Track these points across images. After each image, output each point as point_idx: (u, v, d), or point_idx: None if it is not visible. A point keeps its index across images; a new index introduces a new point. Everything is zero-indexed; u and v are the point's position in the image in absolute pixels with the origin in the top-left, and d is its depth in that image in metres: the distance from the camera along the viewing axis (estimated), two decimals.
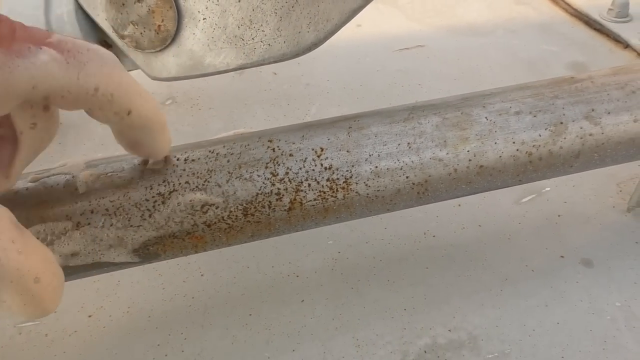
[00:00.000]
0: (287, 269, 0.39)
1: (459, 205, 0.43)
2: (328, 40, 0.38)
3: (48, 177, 0.28)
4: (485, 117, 0.30)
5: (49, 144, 0.25)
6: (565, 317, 0.35)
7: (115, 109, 0.24)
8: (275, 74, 0.61)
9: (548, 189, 0.44)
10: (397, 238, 0.41)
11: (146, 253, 0.28)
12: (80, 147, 0.51)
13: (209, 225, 0.28)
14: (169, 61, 0.40)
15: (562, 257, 0.39)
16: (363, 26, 0.70)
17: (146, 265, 0.30)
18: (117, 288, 0.38)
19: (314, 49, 0.38)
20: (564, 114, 0.31)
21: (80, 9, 0.41)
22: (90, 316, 0.37)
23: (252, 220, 0.29)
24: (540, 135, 0.31)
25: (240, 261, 0.40)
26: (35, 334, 0.36)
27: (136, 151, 0.27)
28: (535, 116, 0.31)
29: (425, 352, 0.33)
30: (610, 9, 0.68)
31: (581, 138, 0.31)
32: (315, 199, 0.29)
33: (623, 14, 0.68)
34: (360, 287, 0.38)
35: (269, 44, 0.38)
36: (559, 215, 0.42)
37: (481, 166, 0.30)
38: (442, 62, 0.63)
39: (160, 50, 0.40)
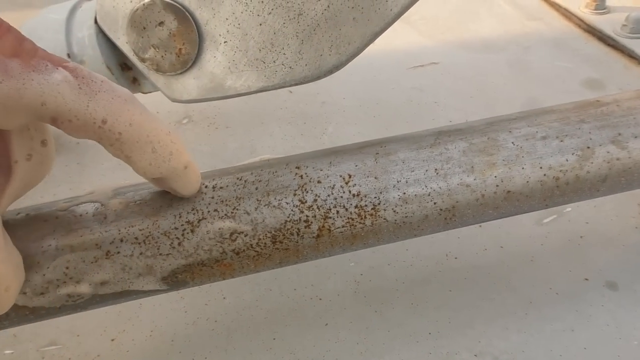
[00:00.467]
0: (309, 292, 0.39)
1: (480, 226, 0.43)
2: None
3: (77, 205, 0.28)
4: (512, 142, 0.30)
5: (40, 181, 0.26)
6: (592, 342, 0.35)
7: (125, 151, 0.24)
8: (291, 92, 0.62)
9: (569, 209, 0.44)
10: (419, 260, 0.41)
11: (174, 281, 0.28)
12: (98, 167, 0.52)
13: (237, 253, 0.28)
14: (190, 84, 0.40)
15: (586, 279, 0.39)
16: (376, 44, 0.70)
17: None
18: (139, 311, 0.38)
19: (335, 71, 0.39)
20: (590, 139, 0.31)
21: (101, 32, 0.41)
22: (113, 340, 0.37)
23: (281, 247, 0.29)
24: (567, 160, 0.31)
25: (262, 284, 0.40)
26: (58, 357, 0.36)
27: (161, 186, 0.27)
28: (562, 141, 0.31)
29: None
30: (624, 25, 0.68)
31: (608, 162, 0.31)
32: (343, 226, 0.29)
33: (637, 29, 0.68)
34: (384, 310, 0.37)
35: (291, 67, 0.38)
36: (581, 237, 0.42)
37: (508, 192, 0.30)
38: (456, 79, 0.63)
39: (181, 73, 0.40)
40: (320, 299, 0.38)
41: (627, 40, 0.68)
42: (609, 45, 0.69)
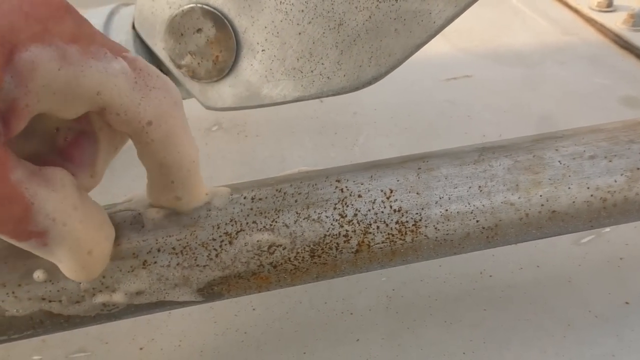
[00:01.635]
0: (340, 306, 0.38)
1: (516, 244, 0.42)
2: None
3: (114, 213, 0.27)
4: (559, 161, 0.30)
5: (127, 140, 0.26)
6: None
7: (147, 156, 0.24)
8: (321, 102, 0.61)
9: (608, 229, 0.43)
10: (452, 277, 0.40)
11: (210, 293, 0.28)
12: (128, 173, 0.51)
13: (275, 267, 0.28)
14: (225, 91, 0.40)
15: (627, 303, 0.37)
16: None
17: None
18: (168, 320, 0.38)
19: (374, 83, 0.38)
20: None
21: (138, 37, 0.41)
22: (141, 349, 0.36)
23: (319, 262, 0.28)
24: (615, 181, 0.30)
25: (292, 296, 0.39)
26: None
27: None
28: (610, 161, 0.30)
29: None
30: None
31: None
32: (383, 242, 0.28)
33: None
34: (417, 327, 0.36)
35: (329, 77, 0.37)
36: (620, 258, 0.41)
37: (553, 211, 0.29)
38: (490, 93, 0.62)
39: (216, 81, 0.40)
40: (351, 314, 0.38)
41: None
42: None
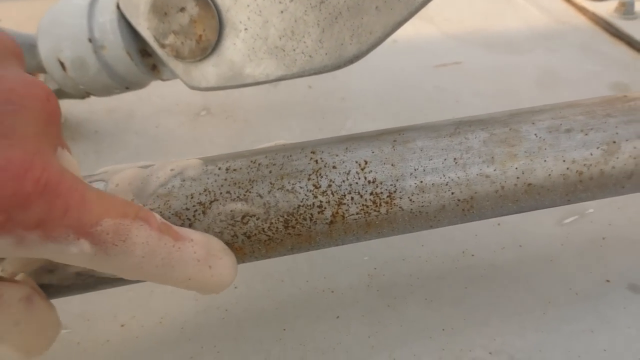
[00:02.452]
0: (322, 284, 0.38)
1: (499, 224, 0.42)
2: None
3: (89, 183, 0.27)
4: (535, 134, 0.30)
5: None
6: (612, 344, 0.33)
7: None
8: (310, 87, 0.61)
9: (591, 210, 0.43)
10: (434, 256, 0.40)
11: None
12: (115, 156, 0.52)
13: (249, 237, 0.28)
14: (209, 71, 0.40)
15: (607, 281, 0.37)
16: (399, 42, 0.70)
17: None
18: (149, 298, 0.38)
19: (355, 61, 0.38)
20: (616, 133, 0.30)
21: (122, 17, 0.41)
22: (122, 325, 0.36)
23: (293, 232, 0.28)
24: (591, 154, 0.30)
25: (274, 274, 0.39)
26: (67, 341, 0.35)
27: None
28: (586, 134, 0.30)
29: None
30: None
31: (634, 158, 0.30)
32: (357, 213, 0.28)
33: None
34: (397, 305, 0.37)
35: (310, 56, 0.37)
36: (603, 238, 0.41)
37: (529, 184, 0.29)
38: (480, 80, 0.62)
39: (200, 60, 0.40)
40: (332, 292, 0.38)
41: None
42: (637, 50, 0.67)
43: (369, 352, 0.34)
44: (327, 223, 0.28)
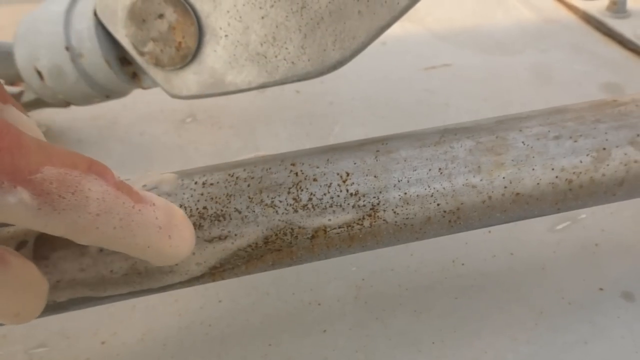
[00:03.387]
0: (308, 297, 0.37)
1: (489, 232, 0.41)
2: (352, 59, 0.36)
3: None
4: (522, 142, 0.29)
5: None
6: (606, 355, 0.33)
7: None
8: (298, 92, 0.60)
9: (584, 216, 0.42)
10: (424, 266, 0.39)
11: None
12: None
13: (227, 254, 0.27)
14: (190, 79, 0.39)
15: (601, 289, 0.36)
16: (388, 44, 0.69)
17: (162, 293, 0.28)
18: (131, 313, 0.37)
19: (339, 67, 0.37)
20: (607, 139, 0.29)
21: (100, 25, 0.40)
22: (103, 343, 0.35)
23: (273, 248, 0.27)
24: (581, 162, 0.29)
25: (259, 287, 0.38)
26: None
27: None
28: (576, 141, 0.29)
29: None
30: None
31: (625, 165, 0.29)
32: (340, 227, 0.27)
33: None
34: (385, 317, 0.36)
35: (293, 62, 0.36)
36: (596, 245, 0.40)
37: (517, 194, 0.28)
38: (469, 82, 0.61)
39: (180, 68, 0.39)
40: (319, 304, 0.37)
41: None
42: (629, 49, 0.67)
43: None
44: (308, 238, 0.27)
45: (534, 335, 0.34)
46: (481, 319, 0.35)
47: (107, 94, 0.45)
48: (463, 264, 0.39)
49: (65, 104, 0.45)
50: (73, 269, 0.25)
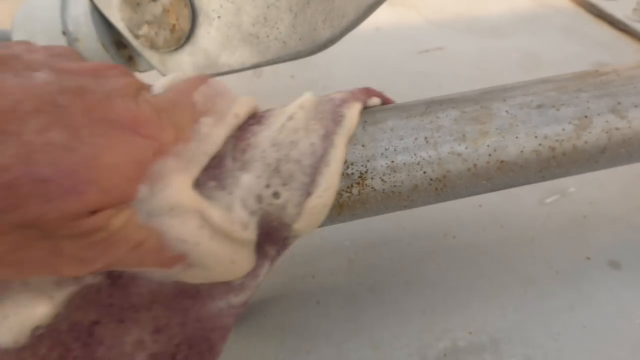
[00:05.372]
0: (302, 270, 0.38)
1: (480, 205, 0.42)
2: (346, 43, 0.37)
3: None
4: (506, 111, 0.29)
5: None
6: (592, 321, 0.33)
7: None
8: (292, 76, 0.61)
9: (573, 189, 0.43)
10: (415, 239, 0.40)
11: None
12: None
13: None
14: (184, 60, 0.40)
15: (588, 258, 0.37)
16: (381, 29, 0.70)
17: None
18: None
19: (330, 46, 0.38)
20: (588, 108, 0.30)
21: (95, 9, 0.41)
22: None
23: None
24: (563, 130, 0.29)
25: None
26: None
27: None
28: (558, 110, 0.30)
29: (445, 355, 0.32)
30: (635, 9, 0.67)
31: (607, 132, 0.30)
32: None
33: None
34: (378, 288, 0.36)
35: (284, 42, 0.37)
36: (584, 216, 0.41)
37: (502, 161, 0.29)
38: (463, 65, 0.62)
39: (175, 50, 0.39)
40: (313, 277, 0.38)
41: (639, 24, 0.66)
42: (619, 29, 0.67)
43: (349, 336, 0.34)
44: None
45: (522, 303, 0.35)
46: (471, 288, 0.36)
47: None
48: (454, 237, 0.40)
49: None
50: None
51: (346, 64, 0.62)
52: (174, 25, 0.38)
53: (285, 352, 0.33)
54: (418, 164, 0.28)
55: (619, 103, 0.30)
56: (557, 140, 0.29)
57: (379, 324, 0.34)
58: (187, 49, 0.39)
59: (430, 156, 0.28)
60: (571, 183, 0.43)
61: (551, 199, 0.42)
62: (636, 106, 0.30)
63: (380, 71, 0.62)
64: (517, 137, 0.29)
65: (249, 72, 0.61)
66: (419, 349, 0.32)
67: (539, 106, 0.30)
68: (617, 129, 0.30)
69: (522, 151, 0.29)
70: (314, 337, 0.34)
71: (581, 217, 0.40)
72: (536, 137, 0.29)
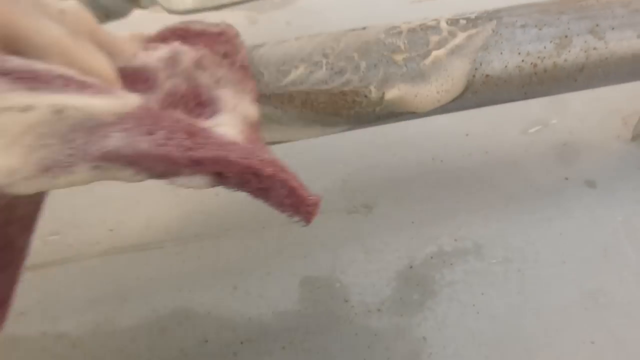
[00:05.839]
0: None
1: (467, 135, 0.44)
2: None
3: None
4: (492, 30, 0.32)
5: None
6: (567, 229, 0.36)
7: None
8: (288, 23, 0.62)
9: (555, 121, 0.45)
10: (405, 162, 0.42)
11: None
12: None
13: None
14: None
15: (566, 178, 0.40)
16: None
17: (164, 187, 0.31)
18: (136, 206, 0.40)
19: None
20: (569, 28, 0.32)
21: None
22: (111, 230, 0.38)
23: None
24: (545, 47, 0.32)
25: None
26: (60, 244, 0.38)
27: None
28: (540, 29, 0.32)
29: (431, 257, 0.35)
30: None
31: (585, 52, 0.32)
32: None
33: None
34: (370, 203, 0.39)
35: None
36: (564, 144, 0.43)
37: (487, 75, 0.32)
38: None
39: None
40: None
41: None
42: None
43: (343, 242, 0.36)
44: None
45: (504, 216, 0.37)
46: (457, 203, 0.39)
47: (107, 14, 0.47)
48: (442, 161, 0.42)
49: None
50: None
51: (341, 13, 0.64)
52: None
53: (283, 257, 0.36)
54: None
55: (597, 25, 0.32)
56: (538, 57, 0.32)
57: (371, 233, 0.37)
58: None
59: None
60: (553, 115, 0.45)
61: (534, 129, 0.45)
62: (613, 28, 0.33)
63: (373, 21, 0.63)
64: (501, 53, 0.31)
65: (244, 20, 0.63)
66: (407, 253, 0.35)
67: (523, 26, 0.32)
68: (594, 48, 0.32)
69: (506, 66, 0.32)
70: (310, 244, 0.36)
71: (561, 144, 0.43)
72: (519, 53, 0.32)
